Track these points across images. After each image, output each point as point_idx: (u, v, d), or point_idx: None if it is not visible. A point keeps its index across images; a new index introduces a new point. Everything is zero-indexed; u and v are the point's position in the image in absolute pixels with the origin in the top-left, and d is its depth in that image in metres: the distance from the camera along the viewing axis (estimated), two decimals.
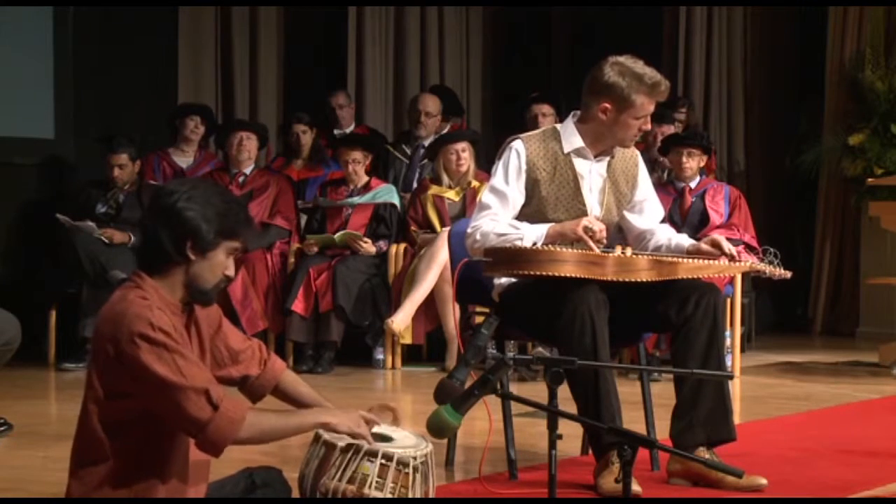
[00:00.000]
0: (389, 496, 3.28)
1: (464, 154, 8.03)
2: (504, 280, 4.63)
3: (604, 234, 4.40)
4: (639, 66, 4.50)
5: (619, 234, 4.84)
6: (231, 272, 3.20)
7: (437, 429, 3.35)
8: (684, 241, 4.63)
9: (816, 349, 9.50)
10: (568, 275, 4.28)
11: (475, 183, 8.04)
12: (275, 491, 3.36)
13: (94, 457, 3.10)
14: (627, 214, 4.74)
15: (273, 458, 4.62)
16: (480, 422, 4.83)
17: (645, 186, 4.76)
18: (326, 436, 3.32)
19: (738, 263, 4.51)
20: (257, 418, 3.14)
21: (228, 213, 3.16)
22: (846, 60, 10.33)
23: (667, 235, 4.69)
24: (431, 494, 3.42)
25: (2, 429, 5.51)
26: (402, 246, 8.09)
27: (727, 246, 4.48)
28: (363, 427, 3.29)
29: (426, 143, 8.81)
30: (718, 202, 7.93)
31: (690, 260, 4.43)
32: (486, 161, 8.15)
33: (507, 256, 4.35)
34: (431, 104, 9.01)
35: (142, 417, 3.09)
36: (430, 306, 7.83)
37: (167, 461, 3.14)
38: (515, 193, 4.57)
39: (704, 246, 4.50)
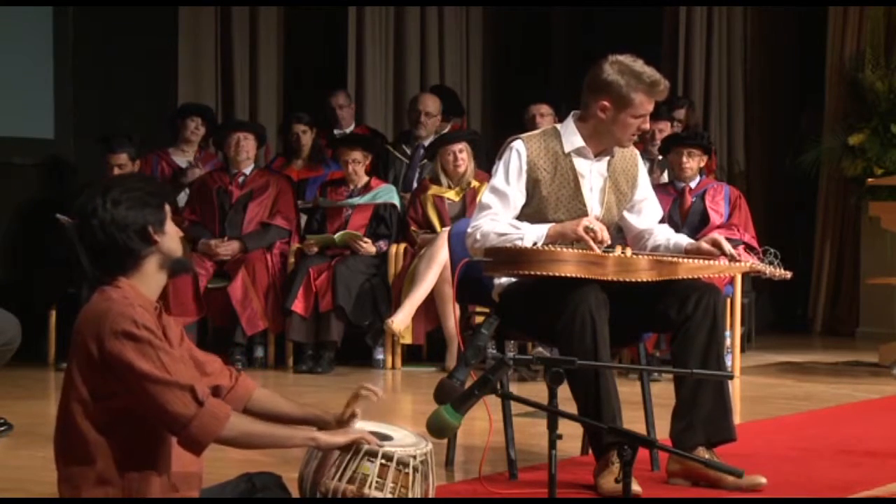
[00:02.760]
0: (389, 496, 3.27)
1: (461, 155, 8.03)
2: (504, 280, 4.63)
3: (605, 234, 4.40)
4: (638, 64, 4.50)
5: (619, 233, 4.84)
6: (180, 231, 3.28)
7: (437, 429, 3.35)
8: (683, 240, 4.63)
9: (816, 349, 9.50)
10: (568, 275, 4.28)
11: (475, 183, 8.03)
12: (274, 495, 3.35)
13: (82, 457, 3.09)
14: (626, 214, 4.74)
15: (273, 458, 4.62)
16: (480, 422, 4.83)
17: (644, 186, 4.76)
18: None
19: (738, 263, 4.51)
20: (243, 420, 3.15)
21: (151, 189, 3.23)
22: (846, 60, 10.33)
23: (665, 235, 4.69)
24: (431, 494, 3.42)
25: (2, 429, 5.51)
26: (402, 246, 8.09)
27: (727, 246, 4.48)
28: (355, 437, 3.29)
29: (426, 143, 8.81)
30: (718, 202, 7.93)
31: (690, 260, 4.43)
32: (487, 161, 8.15)
33: (508, 256, 4.35)
34: (431, 104, 9.01)
35: (129, 415, 3.09)
36: (430, 306, 7.82)
37: (157, 459, 3.13)
38: (516, 193, 4.57)
39: (704, 245, 4.50)
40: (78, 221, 3.19)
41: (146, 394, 3.04)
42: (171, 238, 3.22)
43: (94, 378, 3.09)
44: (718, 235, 4.61)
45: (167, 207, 3.25)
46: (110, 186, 3.20)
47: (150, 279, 3.19)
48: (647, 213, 4.76)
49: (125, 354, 3.03)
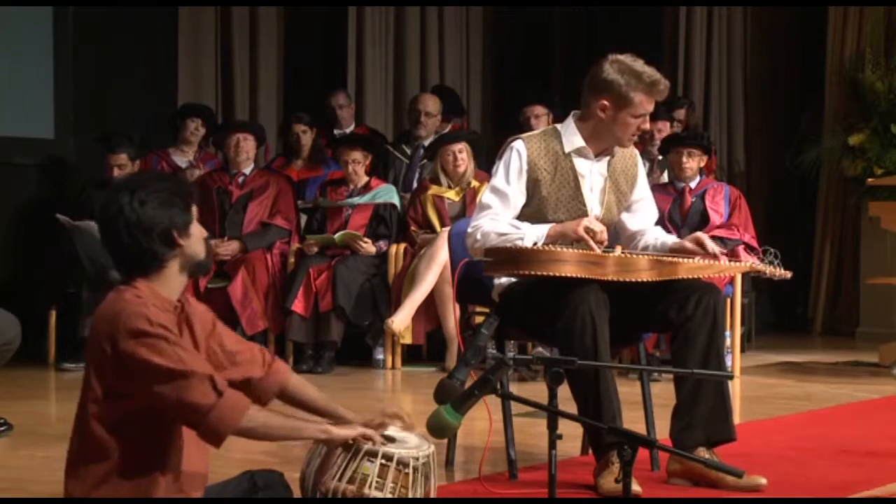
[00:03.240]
0: (389, 496, 3.28)
1: (461, 155, 8.03)
2: (504, 280, 4.63)
3: (604, 234, 4.40)
4: (638, 64, 4.50)
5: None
6: (205, 232, 3.26)
7: (437, 429, 3.35)
8: (669, 239, 4.63)
9: (816, 349, 9.51)
10: (568, 275, 4.28)
11: (475, 183, 8.03)
12: (275, 493, 3.35)
13: (94, 456, 3.10)
14: (622, 214, 4.74)
15: (274, 457, 4.63)
16: (480, 422, 4.83)
17: (642, 186, 4.76)
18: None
19: (738, 263, 4.51)
20: (262, 411, 3.14)
21: (177, 189, 3.20)
22: (846, 60, 10.34)
23: (654, 235, 4.69)
24: (432, 495, 3.42)
25: (2, 429, 5.50)
26: (402, 246, 8.09)
27: (710, 244, 4.47)
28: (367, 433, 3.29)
29: (426, 143, 8.81)
30: (718, 202, 7.93)
31: (691, 260, 4.43)
32: (487, 161, 8.15)
33: (508, 256, 4.35)
34: (431, 104, 9.01)
35: (142, 416, 3.09)
36: (430, 306, 7.83)
37: (165, 460, 3.14)
38: (516, 193, 4.56)
39: (688, 244, 4.50)
40: (101, 222, 3.16)
41: (164, 387, 3.02)
42: (196, 241, 3.20)
43: (107, 377, 3.09)
44: (702, 234, 4.59)
45: (194, 209, 3.21)
46: (135, 187, 3.16)
47: (170, 281, 3.18)
48: (641, 213, 4.75)
49: (140, 352, 3.03)
